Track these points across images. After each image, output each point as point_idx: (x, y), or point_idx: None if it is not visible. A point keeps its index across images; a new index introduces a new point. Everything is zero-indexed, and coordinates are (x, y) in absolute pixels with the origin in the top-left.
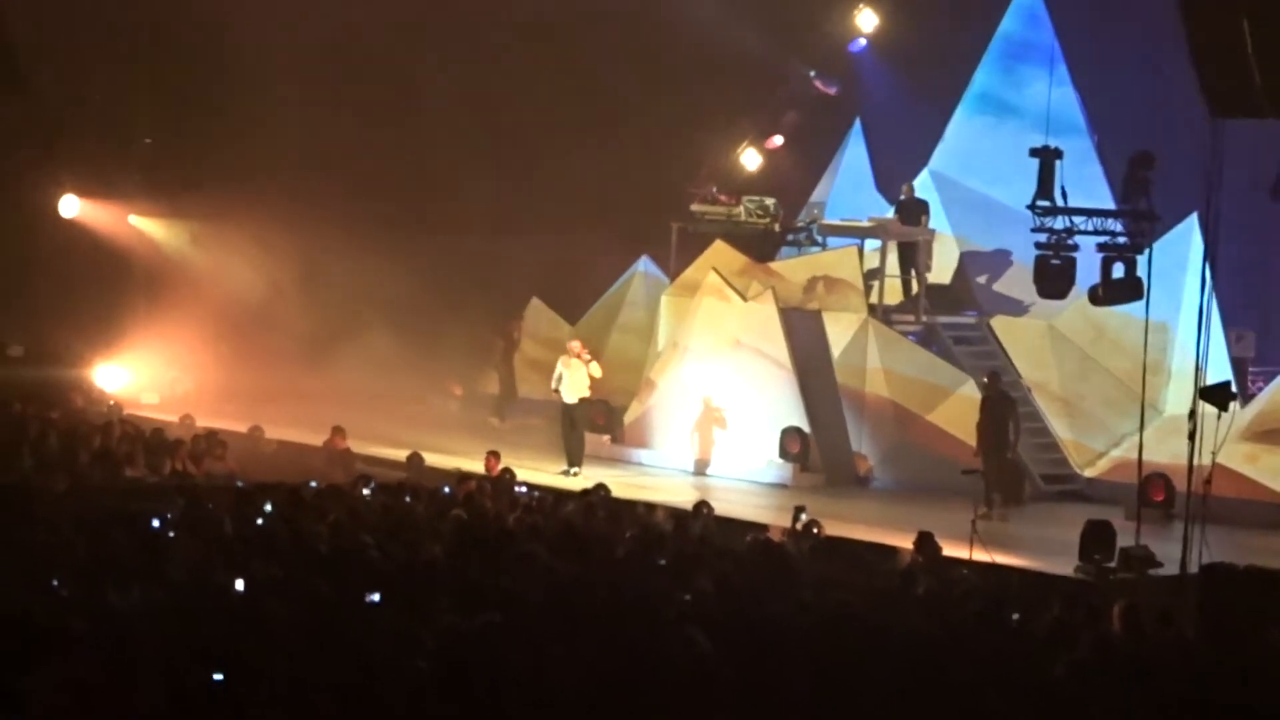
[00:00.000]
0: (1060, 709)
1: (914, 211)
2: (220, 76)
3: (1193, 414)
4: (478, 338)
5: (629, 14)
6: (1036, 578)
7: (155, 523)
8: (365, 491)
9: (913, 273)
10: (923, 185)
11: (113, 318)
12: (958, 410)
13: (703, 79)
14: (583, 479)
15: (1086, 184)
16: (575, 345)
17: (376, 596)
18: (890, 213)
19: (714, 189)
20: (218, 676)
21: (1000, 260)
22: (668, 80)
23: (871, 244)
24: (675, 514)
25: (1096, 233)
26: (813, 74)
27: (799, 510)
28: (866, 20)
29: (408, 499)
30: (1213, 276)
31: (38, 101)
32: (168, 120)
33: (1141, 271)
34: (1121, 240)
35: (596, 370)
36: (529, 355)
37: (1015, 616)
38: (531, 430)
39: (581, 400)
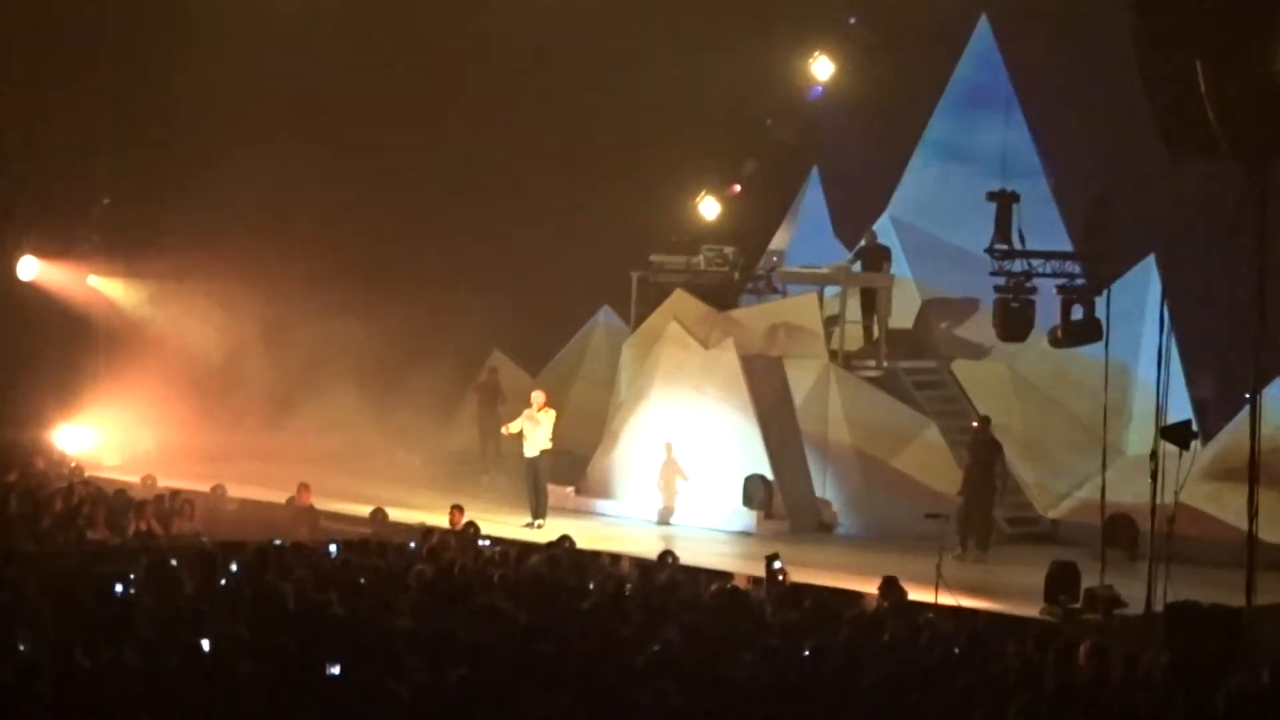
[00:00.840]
0: None
1: (876, 257)
2: (178, 137)
3: (1154, 454)
4: (442, 392)
5: (586, 68)
6: (1003, 620)
7: (119, 586)
8: (331, 549)
9: (873, 318)
10: (882, 230)
11: (73, 379)
12: (921, 455)
13: (660, 130)
14: (547, 531)
15: (1044, 227)
16: (539, 397)
17: (337, 669)
18: (850, 258)
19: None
20: None
21: (960, 304)
22: (626, 131)
23: (831, 290)
24: (641, 564)
25: (1055, 275)
26: (768, 122)
27: (771, 559)
28: (822, 68)
29: (373, 555)
30: (1171, 317)
31: None
32: (126, 181)
33: (1100, 313)
34: (1080, 282)
35: (547, 419)
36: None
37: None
38: (495, 483)
39: (543, 452)
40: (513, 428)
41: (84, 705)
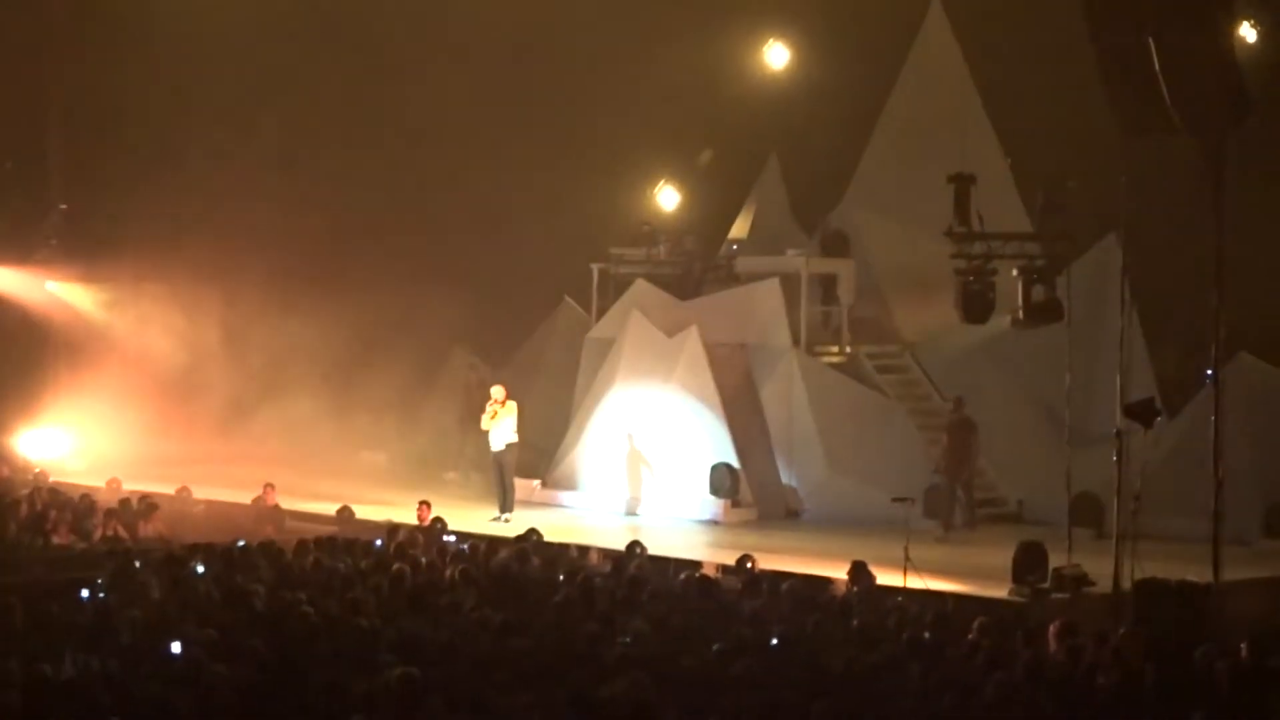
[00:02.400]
0: None
1: (835, 243)
2: (132, 141)
3: (1119, 432)
4: (404, 389)
5: (543, 61)
6: (972, 601)
7: (85, 592)
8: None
9: (834, 304)
10: (841, 216)
11: (33, 384)
12: (886, 439)
13: (617, 120)
14: (515, 524)
15: (1002, 208)
16: (499, 391)
17: None
18: (809, 245)
19: (644, 225)
20: None
21: (921, 287)
22: (583, 123)
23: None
24: (609, 556)
25: (1015, 256)
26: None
27: (743, 559)
28: (778, 55)
29: (340, 553)
30: (1132, 294)
31: None
32: (82, 186)
33: (1061, 293)
34: (1039, 262)
35: (508, 411)
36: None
37: (950, 642)
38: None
39: (508, 446)
40: (485, 424)
41: (54, 714)
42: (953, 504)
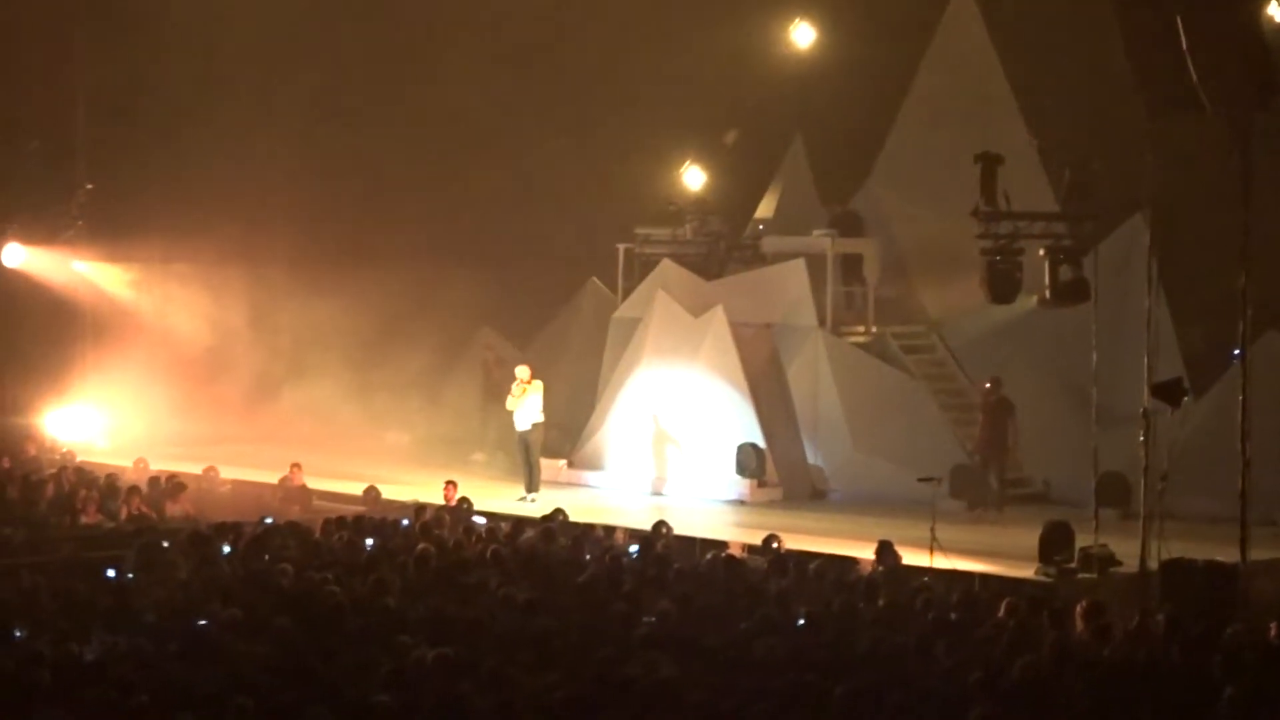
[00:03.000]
0: (1026, 710)
1: (849, 224)
2: (158, 120)
3: (1146, 412)
4: (429, 370)
5: (569, 41)
6: (998, 581)
7: (112, 571)
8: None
9: (859, 284)
10: (867, 195)
11: (60, 364)
12: (912, 419)
13: (644, 100)
14: (540, 504)
15: (1029, 187)
16: (524, 371)
17: None
18: (825, 229)
19: (670, 205)
20: None
21: (947, 267)
22: (609, 103)
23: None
24: (635, 535)
25: (1042, 236)
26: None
27: (770, 539)
28: (804, 34)
29: (366, 533)
30: (1159, 274)
31: None
32: (108, 166)
33: (1088, 272)
34: (1066, 242)
35: (535, 390)
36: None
37: (977, 622)
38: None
39: (534, 425)
40: (510, 404)
41: (83, 691)
42: (986, 485)
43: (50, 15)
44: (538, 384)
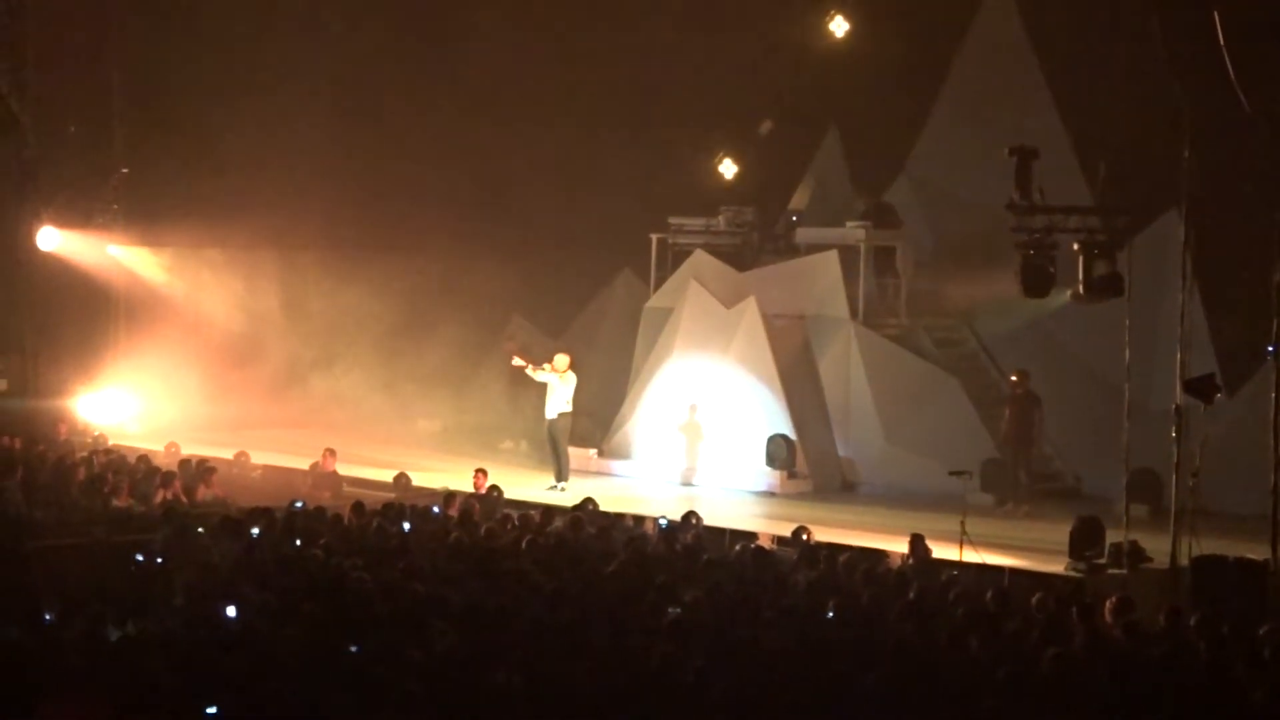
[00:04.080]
0: (1055, 705)
1: (882, 215)
2: (194, 106)
3: (1178, 408)
4: (462, 357)
5: (604, 28)
6: (1028, 576)
7: (141, 556)
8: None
9: (892, 276)
10: (901, 187)
11: (94, 348)
12: (943, 412)
13: (678, 91)
14: (570, 493)
15: (1064, 181)
16: (563, 360)
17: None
18: (858, 220)
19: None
20: (211, 710)
21: (981, 260)
22: (644, 93)
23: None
24: (670, 526)
25: (1076, 230)
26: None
27: (799, 531)
28: (839, 26)
29: (397, 520)
30: (1194, 270)
31: (14, 136)
32: (144, 151)
33: (1122, 267)
34: (1101, 236)
35: (570, 380)
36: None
37: (1007, 616)
38: (519, 447)
39: (561, 415)
40: (533, 374)
41: (113, 674)
42: (1015, 479)
43: (89, 1)
44: (571, 376)
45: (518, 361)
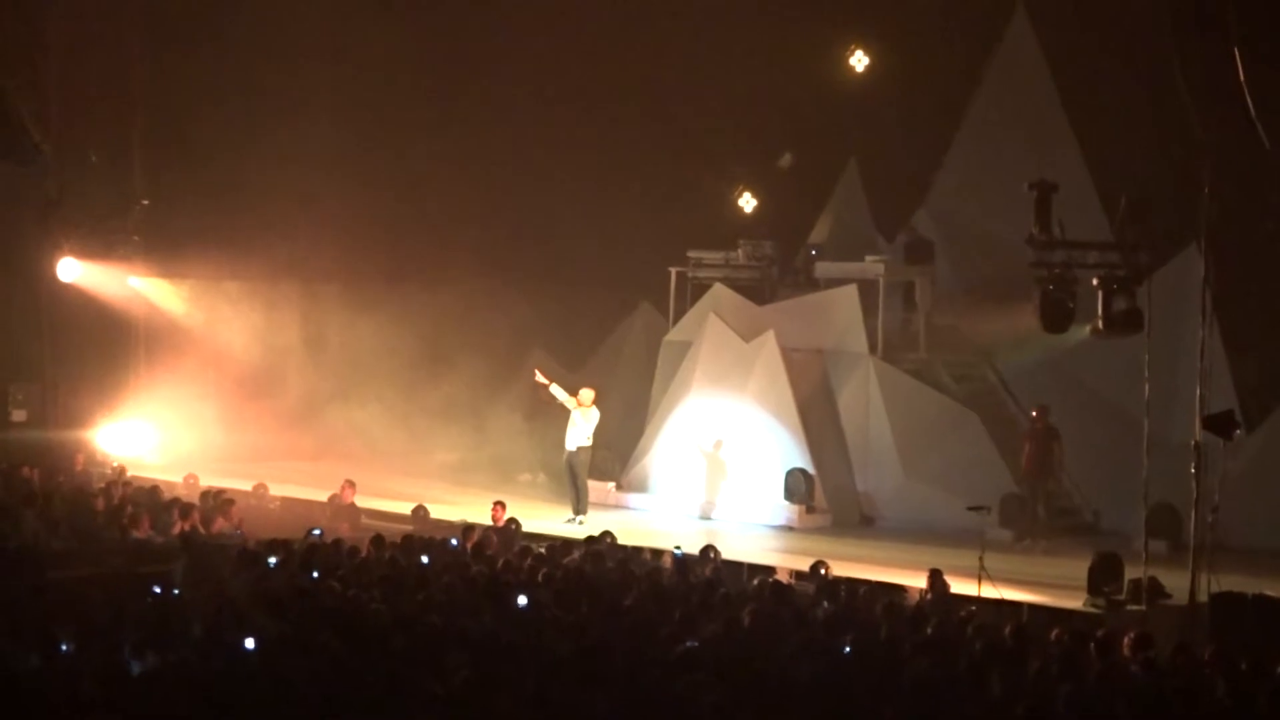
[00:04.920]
0: None
1: (919, 249)
2: (214, 138)
3: (1197, 444)
4: (481, 390)
5: (623, 62)
6: (1046, 612)
7: (159, 587)
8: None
9: (912, 311)
10: (920, 221)
11: (113, 379)
12: (962, 447)
13: (697, 124)
14: (588, 526)
15: (1084, 216)
16: (588, 395)
17: None
18: (892, 250)
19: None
20: None
21: (1000, 295)
22: (663, 126)
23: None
24: (686, 559)
25: (1096, 265)
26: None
27: (818, 565)
28: (860, 59)
29: (415, 552)
30: (1214, 305)
31: (36, 167)
32: (164, 182)
33: (1142, 302)
34: (1121, 272)
35: (593, 416)
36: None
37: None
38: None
39: (580, 448)
40: (556, 392)
41: (131, 705)
42: (1033, 514)
43: (110, 31)
44: (594, 411)
45: (540, 379)
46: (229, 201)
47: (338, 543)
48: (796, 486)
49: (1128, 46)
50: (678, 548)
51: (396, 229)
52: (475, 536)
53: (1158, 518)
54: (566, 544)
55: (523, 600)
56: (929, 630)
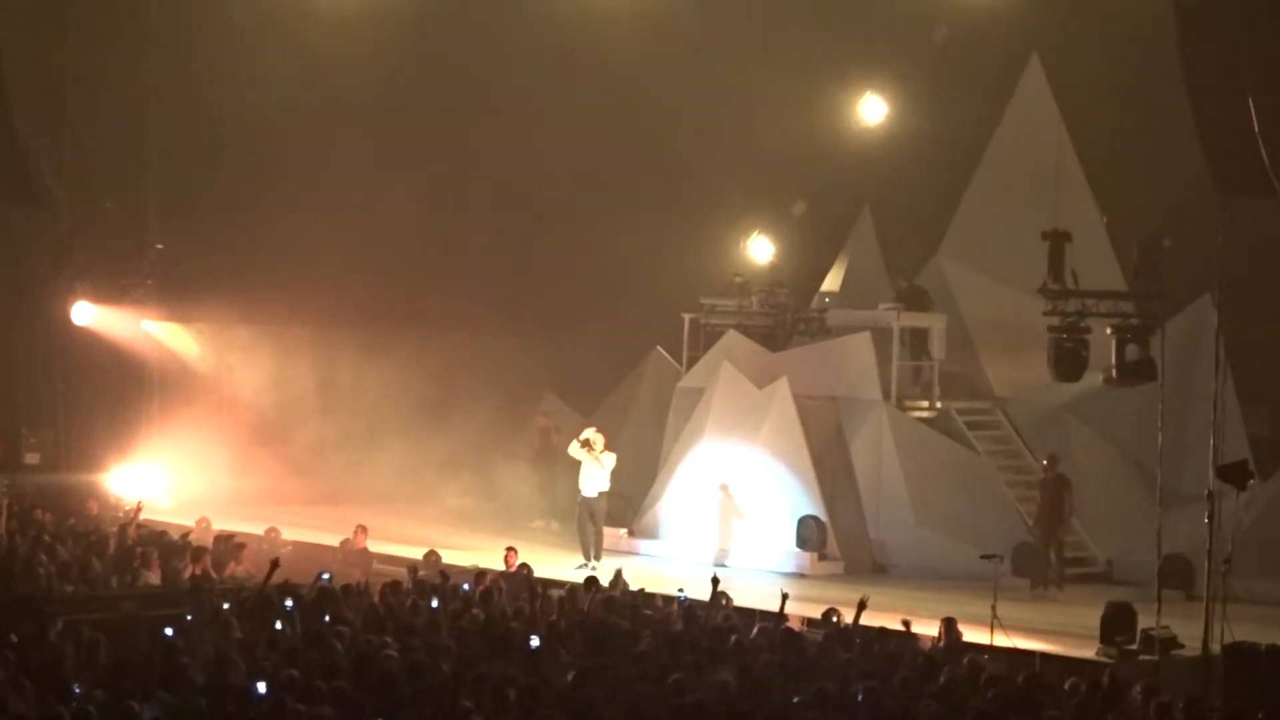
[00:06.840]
0: None
1: (915, 300)
2: (227, 182)
3: (1211, 494)
4: (494, 435)
5: (638, 109)
6: (1059, 661)
7: (170, 630)
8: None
9: (925, 359)
10: (934, 270)
11: (126, 423)
12: (975, 495)
13: (711, 171)
14: (600, 572)
15: (1097, 265)
16: (599, 439)
17: None
18: (890, 303)
19: (735, 277)
20: None
21: (1013, 343)
22: (676, 173)
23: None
24: (694, 605)
25: (1109, 314)
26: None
27: (829, 613)
28: (873, 108)
29: (427, 597)
30: (1227, 355)
31: (50, 210)
32: (178, 227)
33: (1155, 352)
34: (1134, 321)
35: (609, 461)
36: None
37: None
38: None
39: (600, 494)
40: (572, 451)
41: None
42: (1046, 562)
43: (126, 75)
44: (612, 456)
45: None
46: (243, 246)
47: (348, 587)
48: (809, 534)
49: (1142, 96)
50: (681, 590)
51: (410, 274)
52: (487, 582)
53: (1171, 567)
54: (577, 589)
55: (534, 642)
56: (942, 679)
